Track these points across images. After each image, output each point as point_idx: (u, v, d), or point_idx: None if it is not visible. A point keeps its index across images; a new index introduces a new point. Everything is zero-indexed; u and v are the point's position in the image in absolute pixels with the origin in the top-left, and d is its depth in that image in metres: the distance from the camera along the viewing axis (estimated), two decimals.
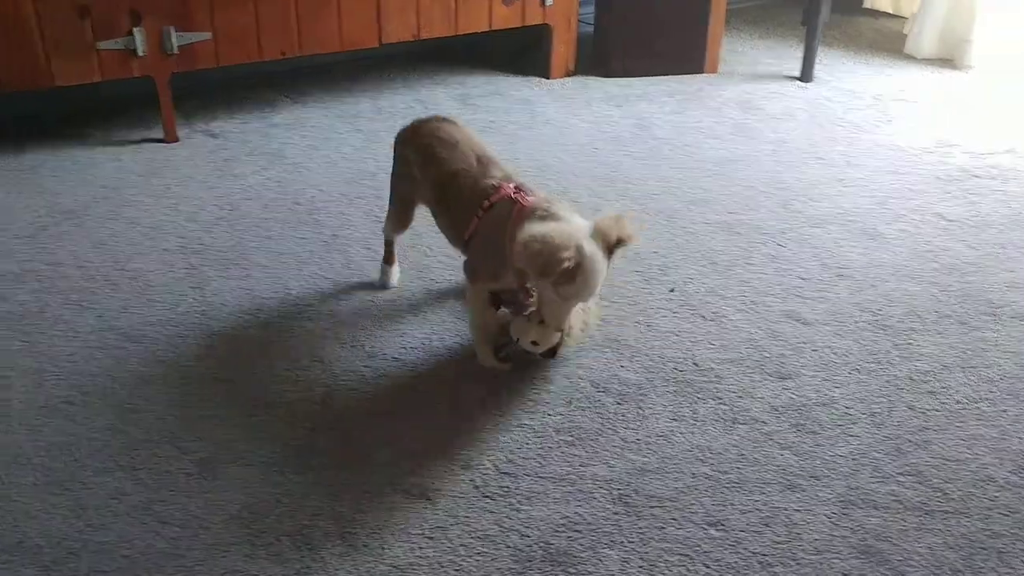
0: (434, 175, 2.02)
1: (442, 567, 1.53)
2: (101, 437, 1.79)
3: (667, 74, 3.85)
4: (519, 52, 3.99)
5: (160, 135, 3.12)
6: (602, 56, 3.86)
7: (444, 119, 2.12)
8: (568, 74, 3.81)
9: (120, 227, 2.57)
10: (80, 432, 1.81)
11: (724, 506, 1.66)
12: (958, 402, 1.93)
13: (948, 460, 1.77)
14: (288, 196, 2.76)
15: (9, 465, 1.72)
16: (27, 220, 2.59)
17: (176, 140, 3.11)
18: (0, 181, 2.82)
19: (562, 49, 3.75)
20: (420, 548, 1.57)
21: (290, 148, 3.09)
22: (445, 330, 2.14)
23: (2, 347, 2.05)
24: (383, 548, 1.56)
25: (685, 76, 3.85)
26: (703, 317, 2.21)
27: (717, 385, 1.98)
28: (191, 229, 2.56)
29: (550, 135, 3.23)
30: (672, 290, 2.31)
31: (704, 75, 3.87)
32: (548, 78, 3.77)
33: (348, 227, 2.58)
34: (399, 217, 2.23)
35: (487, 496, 1.68)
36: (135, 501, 1.64)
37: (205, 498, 1.65)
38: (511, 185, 1.93)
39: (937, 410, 1.91)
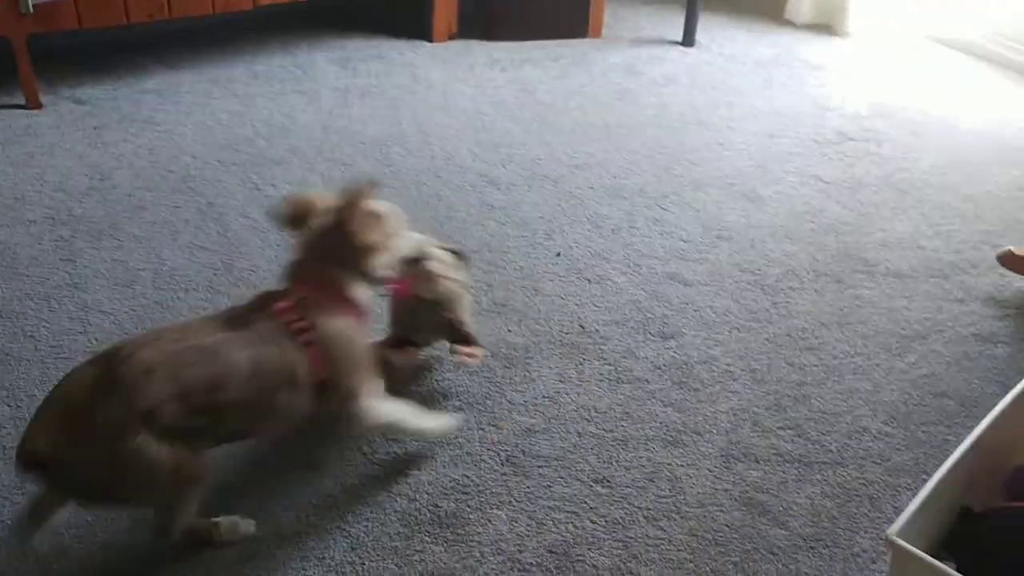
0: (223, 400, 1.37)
1: (329, 534, 1.51)
2: None
3: (551, 38, 3.84)
4: (400, 13, 3.92)
5: (21, 101, 2.96)
6: (486, 19, 3.83)
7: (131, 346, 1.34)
8: (451, 37, 3.76)
9: None
10: None
11: (610, 463, 1.68)
12: (835, 357, 2.00)
13: (825, 413, 1.83)
14: (161, 164, 2.65)
15: None
16: None
17: (39, 107, 2.95)
18: None
19: (444, 11, 3.69)
20: (308, 516, 1.54)
21: (162, 114, 2.96)
22: None
23: None
24: (270, 518, 1.53)
25: (569, 41, 3.85)
26: (588, 280, 2.22)
27: (602, 346, 1.99)
28: (59, 199, 2.44)
29: (433, 100, 3.19)
30: (558, 254, 2.32)
31: (588, 40, 3.87)
32: (430, 41, 3.71)
33: (224, 195, 2.50)
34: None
35: (375, 463, 1.66)
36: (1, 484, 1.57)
37: None
38: (275, 303, 1.46)
39: (815, 366, 1.97)
